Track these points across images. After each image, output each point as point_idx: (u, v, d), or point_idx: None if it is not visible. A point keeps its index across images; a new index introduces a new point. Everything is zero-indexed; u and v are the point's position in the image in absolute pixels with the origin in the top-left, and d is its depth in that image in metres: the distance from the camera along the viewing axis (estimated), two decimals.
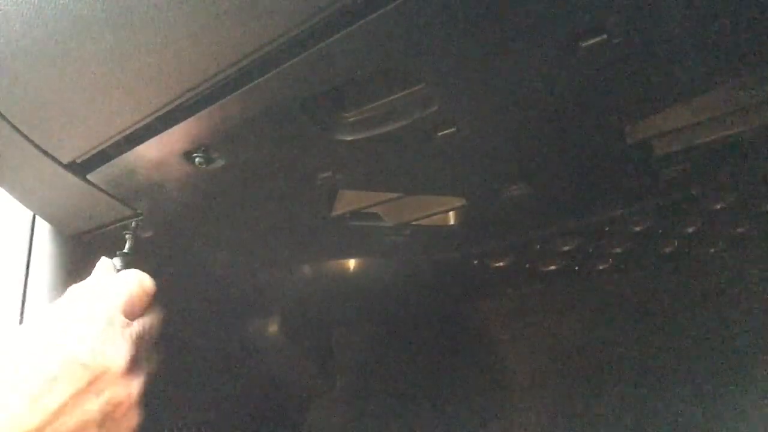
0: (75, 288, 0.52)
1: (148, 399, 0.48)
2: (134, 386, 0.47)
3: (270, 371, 1.05)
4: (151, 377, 0.50)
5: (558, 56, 0.39)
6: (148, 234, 0.65)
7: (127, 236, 0.62)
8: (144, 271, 0.54)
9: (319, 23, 0.35)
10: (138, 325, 0.50)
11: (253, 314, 1.01)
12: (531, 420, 1.09)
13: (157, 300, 0.54)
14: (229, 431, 0.96)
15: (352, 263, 0.89)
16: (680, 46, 0.40)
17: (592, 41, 0.37)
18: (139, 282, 0.52)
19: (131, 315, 0.50)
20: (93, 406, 0.44)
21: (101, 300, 0.49)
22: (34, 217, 0.70)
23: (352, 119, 0.48)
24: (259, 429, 1.03)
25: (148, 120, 0.45)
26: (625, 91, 0.46)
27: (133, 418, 0.47)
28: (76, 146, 0.50)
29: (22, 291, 0.67)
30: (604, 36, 0.37)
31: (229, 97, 0.42)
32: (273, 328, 1.01)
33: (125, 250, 0.60)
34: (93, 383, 0.45)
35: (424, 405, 1.16)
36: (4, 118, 0.48)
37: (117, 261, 0.58)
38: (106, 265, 0.56)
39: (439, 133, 0.48)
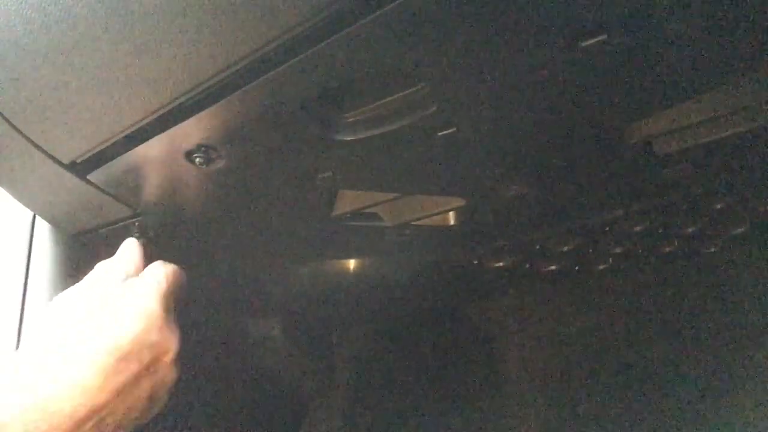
0: (105, 265, 0.52)
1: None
2: (178, 371, 0.47)
3: (270, 371, 1.05)
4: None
5: (558, 56, 0.39)
6: (148, 234, 0.65)
7: (137, 237, 0.62)
8: None
9: (319, 23, 0.35)
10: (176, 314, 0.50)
11: (253, 314, 1.01)
12: (531, 420, 1.09)
13: None
14: (227, 431, 0.96)
15: (352, 263, 0.89)
16: (681, 45, 0.40)
17: (592, 41, 0.37)
18: (179, 273, 0.52)
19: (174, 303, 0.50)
20: (147, 386, 0.44)
21: (159, 285, 0.49)
22: (34, 217, 0.70)
23: (352, 119, 0.48)
24: (259, 429, 1.03)
25: (148, 120, 0.45)
26: (625, 91, 0.46)
27: (165, 402, 0.48)
28: (76, 146, 0.50)
29: (22, 291, 0.67)
30: (604, 36, 0.37)
31: (229, 97, 0.42)
32: (273, 327, 1.01)
33: None
34: (152, 364, 0.45)
35: (424, 405, 1.16)
36: (4, 118, 0.48)
37: None
38: (132, 246, 0.55)
39: (439, 133, 0.48)
